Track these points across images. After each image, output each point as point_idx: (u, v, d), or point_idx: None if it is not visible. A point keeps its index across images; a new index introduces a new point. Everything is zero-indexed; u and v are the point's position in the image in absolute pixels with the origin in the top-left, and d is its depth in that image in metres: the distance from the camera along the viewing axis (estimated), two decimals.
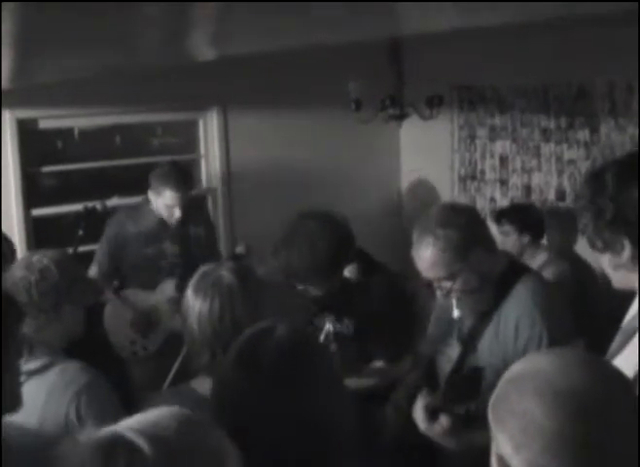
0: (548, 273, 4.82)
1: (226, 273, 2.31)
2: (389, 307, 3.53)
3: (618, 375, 1.47)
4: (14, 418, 2.14)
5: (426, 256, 2.76)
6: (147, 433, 1.32)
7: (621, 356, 2.14)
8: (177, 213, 4.68)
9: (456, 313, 2.98)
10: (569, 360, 1.43)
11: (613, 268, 2.10)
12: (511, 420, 1.38)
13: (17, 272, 2.68)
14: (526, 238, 4.93)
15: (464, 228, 2.76)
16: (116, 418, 2.50)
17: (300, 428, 1.68)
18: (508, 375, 1.46)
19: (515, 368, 1.46)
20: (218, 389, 1.82)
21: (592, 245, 2.10)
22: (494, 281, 2.85)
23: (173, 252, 4.76)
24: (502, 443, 1.40)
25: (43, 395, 2.49)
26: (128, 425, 1.36)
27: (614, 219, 1.98)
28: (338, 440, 1.74)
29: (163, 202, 4.64)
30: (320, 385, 1.74)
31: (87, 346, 2.86)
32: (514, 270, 2.90)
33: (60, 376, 2.56)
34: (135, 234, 4.75)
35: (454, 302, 2.94)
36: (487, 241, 2.87)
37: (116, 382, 2.75)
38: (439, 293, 2.86)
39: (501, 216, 5.05)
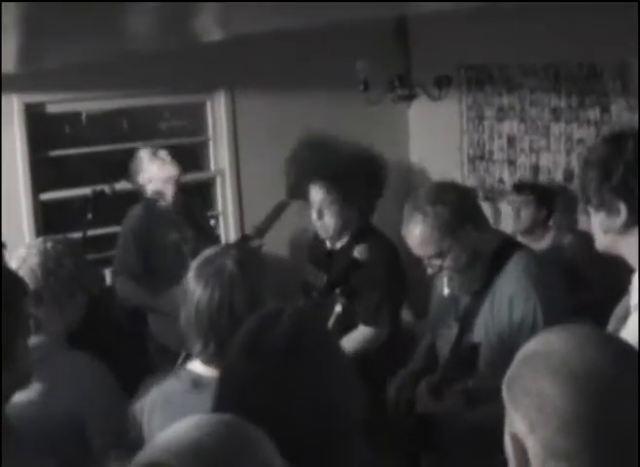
0: (557, 247, 4.87)
1: (229, 262, 2.27)
2: (383, 272, 3.57)
3: (632, 352, 1.45)
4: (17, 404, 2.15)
5: (415, 233, 2.80)
6: (191, 459, 1.27)
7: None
8: (173, 172, 4.73)
9: (446, 291, 3.01)
10: (583, 338, 1.41)
11: (604, 229, 2.11)
12: (525, 400, 1.38)
13: (32, 259, 2.65)
14: (542, 214, 5.01)
15: (453, 205, 2.78)
16: (120, 409, 2.52)
17: (308, 411, 1.68)
18: (522, 353, 1.45)
19: (529, 346, 1.45)
20: (225, 374, 1.82)
21: (588, 201, 2.11)
22: (487, 259, 2.86)
23: (190, 236, 4.72)
24: (516, 422, 1.39)
25: (46, 386, 2.46)
26: (167, 447, 1.30)
27: (619, 183, 2.00)
28: (347, 423, 1.74)
29: (157, 173, 4.67)
30: (328, 368, 1.74)
31: (92, 333, 2.86)
32: (506, 248, 2.91)
33: (64, 367, 2.55)
34: (155, 225, 4.72)
35: (445, 280, 2.96)
36: (478, 219, 2.89)
37: (122, 369, 2.74)
38: (429, 270, 2.89)
39: (525, 186, 5.15)
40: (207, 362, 2.25)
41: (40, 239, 2.79)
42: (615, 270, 4.53)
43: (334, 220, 3.66)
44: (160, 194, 4.71)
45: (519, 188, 5.28)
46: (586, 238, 5.02)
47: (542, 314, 2.72)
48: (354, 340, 3.58)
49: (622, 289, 2.37)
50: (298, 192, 3.76)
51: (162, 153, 4.82)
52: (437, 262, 2.82)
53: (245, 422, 1.39)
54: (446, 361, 2.95)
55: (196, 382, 2.22)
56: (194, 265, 2.33)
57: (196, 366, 2.31)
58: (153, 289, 4.62)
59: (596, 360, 1.36)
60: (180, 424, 1.36)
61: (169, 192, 4.71)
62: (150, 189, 4.72)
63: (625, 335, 2.02)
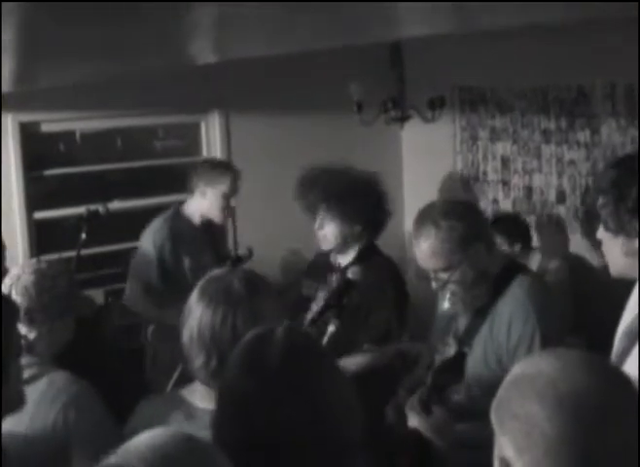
0: (544, 272, 4.88)
1: (236, 281, 2.32)
2: (385, 292, 3.62)
3: (620, 376, 1.46)
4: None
5: (426, 245, 2.77)
6: (151, 463, 1.30)
7: (630, 359, 2.14)
8: (232, 203, 4.73)
9: (446, 305, 2.98)
10: (570, 362, 1.43)
11: (624, 253, 2.14)
12: (513, 423, 1.39)
13: (26, 277, 2.68)
14: (518, 247, 4.98)
15: (467, 220, 2.78)
16: (105, 429, 2.52)
17: (306, 428, 1.69)
18: (510, 376, 1.46)
19: (517, 369, 1.46)
20: (223, 392, 1.83)
21: (606, 227, 2.14)
22: (491, 279, 2.85)
23: (209, 262, 4.59)
24: (505, 445, 1.40)
25: (31, 406, 2.42)
26: (129, 454, 1.33)
27: (635, 204, 2.05)
28: (346, 439, 1.76)
29: (220, 191, 4.61)
30: (324, 385, 1.76)
31: (84, 356, 2.87)
32: (511, 270, 2.91)
33: (49, 386, 2.55)
34: (178, 247, 4.67)
35: (447, 294, 2.95)
36: (487, 238, 2.89)
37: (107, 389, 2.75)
38: (434, 284, 2.87)
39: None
40: (207, 380, 2.25)
41: (34, 260, 2.82)
42: (597, 295, 4.57)
43: (332, 233, 3.78)
44: (209, 218, 4.70)
45: None
46: (570, 264, 5.06)
47: (539, 338, 2.71)
48: (360, 359, 3.59)
49: (603, 316, 2.40)
50: (307, 208, 3.92)
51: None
52: (444, 275, 2.81)
53: (206, 442, 1.43)
54: (433, 372, 2.94)
55: (191, 414, 2.23)
56: (199, 283, 2.37)
57: (192, 394, 2.31)
58: (163, 303, 4.61)
59: (583, 384, 1.37)
60: (148, 434, 1.39)
61: (219, 211, 4.70)
62: (202, 209, 4.68)
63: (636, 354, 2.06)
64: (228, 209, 4.76)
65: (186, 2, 1.59)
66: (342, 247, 3.84)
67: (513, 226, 5.09)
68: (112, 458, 1.33)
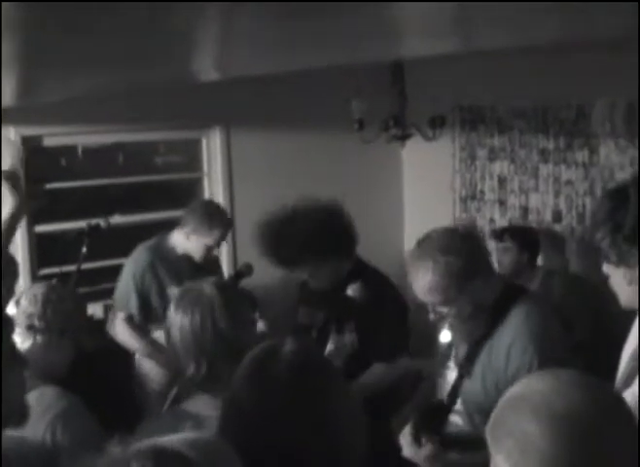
0: (545, 292, 4.90)
1: (207, 287, 2.40)
2: (385, 309, 3.61)
3: (613, 395, 1.48)
4: None
5: (424, 281, 2.74)
6: (189, 445, 1.32)
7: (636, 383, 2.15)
8: (216, 252, 4.71)
9: (445, 337, 2.97)
10: (565, 381, 1.44)
11: (628, 282, 2.14)
12: (508, 441, 1.40)
13: (37, 288, 2.82)
14: (525, 257, 5.03)
15: (465, 255, 2.74)
16: (94, 445, 2.53)
17: (312, 443, 1.70)
18: (506, 396, 1.48)
19: (514, 389, 1.48)
20: (229, 408, 1.84)
21: (607, 258, 2.15)
22: (489, 309, 2.83)
23: None
24: (500, 463, 1.41)
25: None
26: (169, 438, 1.35)
27: (632, 233, 2.05)
28: (351, 455, 1.77)
29: (204, 242, 4.55)
30: (331, 401, 1.77)
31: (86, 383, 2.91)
32: (509, 295, 2.88)
33: (38, 401, 2.55)
34: (160, 274, 4.64)
35: (445, 327, 2.94)
36: (486, 270, 2.86)
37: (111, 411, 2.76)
38: (432, 316, 2.85)
39: (504, 233, 5.17)
40: (202, 385, 2.30)
41: (53, 280, 2.96)
42: (600, 313, 4.58)
43: (324, 275, 3.71)
44: (190, 254, 4.65)
45: (498, 235, 5.28)
46: (573, 279, 5.09)
47: (537, 367, 2.68)
48: (370, 377, 3.58)
49: (607, 331, 2.40)
50: (281, 263, 3.79)
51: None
52: (442, 310, 2.80)
53: (227, 445, 1.44)
54: (418, 413, 2.94)
55: (199, 423, 2.24)
56: (174, 298, 2.45)
57: (191, 404, 2.34)
58: (144, 334, 4.64)
59: (578, 403, 1.39)
60: (174, 436, 1.41)
61: (200, 257, 4.65)
62: (184, 247, 4.63)
63: None
64: (210, 256, 4.70)
65: (190, 15, 1.62)
66: (334, 280, 3.76)
67: (524, 236, 5.19)
68: (146, 442, 1.33)
